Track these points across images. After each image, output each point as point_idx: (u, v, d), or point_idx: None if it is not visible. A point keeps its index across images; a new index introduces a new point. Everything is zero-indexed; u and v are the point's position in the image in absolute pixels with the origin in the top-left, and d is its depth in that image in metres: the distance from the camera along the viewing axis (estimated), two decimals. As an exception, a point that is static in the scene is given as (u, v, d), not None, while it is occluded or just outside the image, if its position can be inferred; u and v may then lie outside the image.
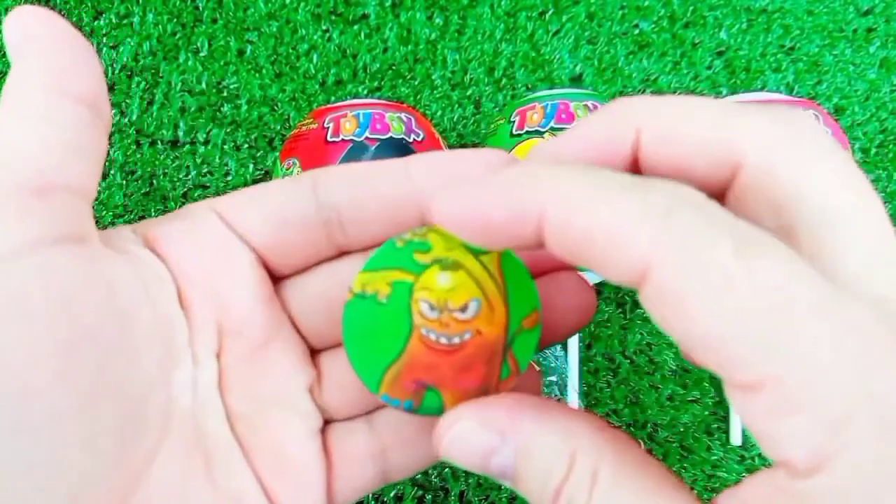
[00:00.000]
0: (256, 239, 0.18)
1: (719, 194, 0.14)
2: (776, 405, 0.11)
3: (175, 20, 0.47)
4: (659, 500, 0.13)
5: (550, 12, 0.47)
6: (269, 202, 0.18)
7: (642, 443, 0.41)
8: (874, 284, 0.12)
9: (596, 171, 0.13)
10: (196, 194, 0.45)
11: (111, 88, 0.46)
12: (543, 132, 0.36)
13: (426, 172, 0.18)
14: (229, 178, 0.45)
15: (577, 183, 0.13)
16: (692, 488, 0.14)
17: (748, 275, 0.11)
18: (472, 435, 0.15)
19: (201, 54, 0.46)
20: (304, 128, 0.37)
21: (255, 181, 0.45)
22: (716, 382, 0.41)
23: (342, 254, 0.19)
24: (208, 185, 0.45)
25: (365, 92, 0.46)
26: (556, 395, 0.39)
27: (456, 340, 0.15)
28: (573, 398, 0.39)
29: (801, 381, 0.11)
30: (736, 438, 0.40)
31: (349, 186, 0.18)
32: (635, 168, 0.15)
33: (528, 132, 0.36)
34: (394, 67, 0.46)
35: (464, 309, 0.15)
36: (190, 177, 0.45)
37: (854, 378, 0.11)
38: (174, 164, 0.45)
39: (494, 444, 0.14)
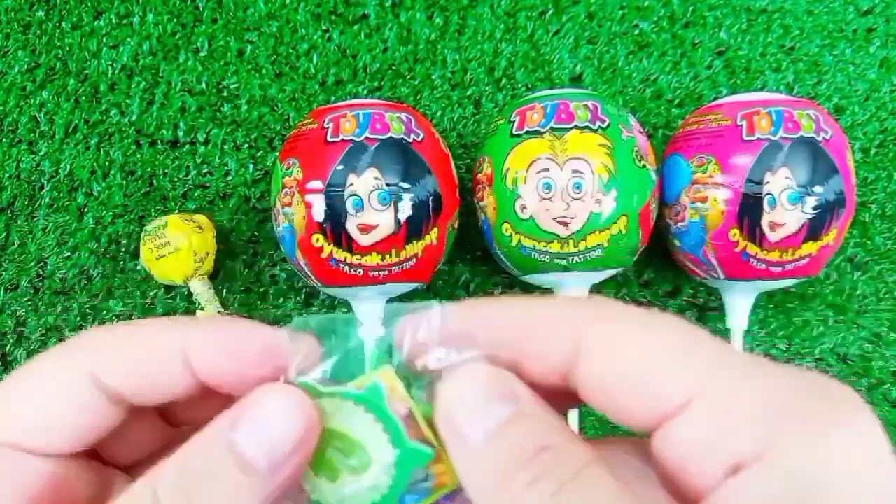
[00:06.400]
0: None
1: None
2: (710, 412, 0.14)
3: (175, 20, 0.47)
4: None
5: (550, 12, 0.47)
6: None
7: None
8: None
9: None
10: (196, 194, 0.45)
11: (111, 88, 0.46)
12: (543, 132, 0.36)
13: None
14: (229, 177, 0.45)
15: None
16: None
17: (663, 340, 0.15)
18: (488, 381, 0.15)
19: (201, 54, 0.46)
20: (304, 128, 0.37)
21: (255, 181, 0.45)
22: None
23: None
24: (208, 184, 0.45)
25: (365, 92, 0.46)
26: None
27: None
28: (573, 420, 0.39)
29: (725, 384, 0.14)
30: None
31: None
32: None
33: (528, 132, 0.36)
34: (394, 67, 0.46)
35: None
36: (190, 177, 0.45)
37: (763, 382, 0.14)
38: (174, 164, 0.45)
39: (504, 398, 0.15)
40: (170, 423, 0.20)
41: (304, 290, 0.44)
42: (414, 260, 0.36)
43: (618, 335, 0.15)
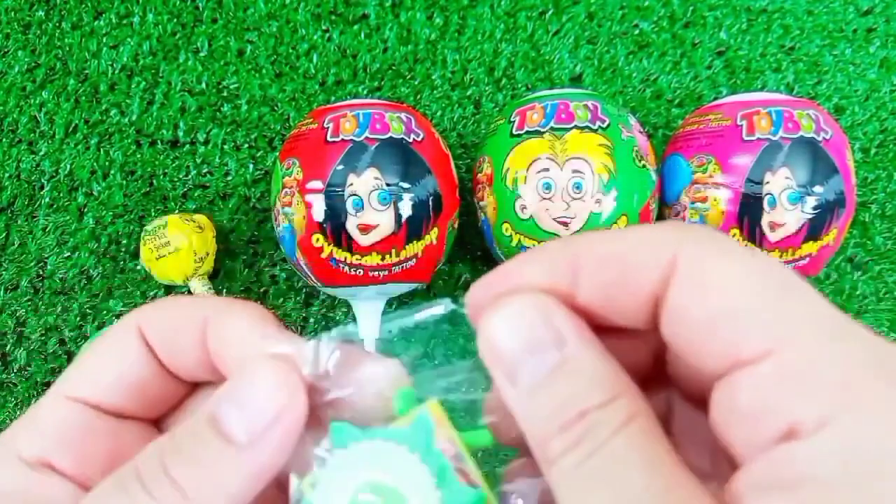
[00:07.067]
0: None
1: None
2: (785, 369, 0.12)
3: (175, 20, 0.47)
4: (673, 478, 0.13)
5: (550, 12, 0.47)
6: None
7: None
8: None
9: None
10: (196, 194, 0.45)
11: (111, 88, 0.46)
12: (543, 132, 0.36)
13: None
14: (229, 177, 0.45)
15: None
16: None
17: (756, 267, 0.14)
18: (535, 321, 0.14)
19: (201, 54, 0.46)
20: (304, 128, 0.37)
21: (255, 181, 0.45)
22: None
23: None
24: (208, 184, 0.45)
25: (365, 92, 0.46)
26: None
27: None
28: None
29: (809, 343, 0.13)
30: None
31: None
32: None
33: (528, 132, 0.36)
34: (394, 67, 0.46)
35: None
36: (190, 177, 0.45)
37: (850, 348, 0.13)
38: (174, 164, 0.45)
39: (549, 343, 0.14)
40: None
41: (304, 290, 0.43)
42: (414, 260, 0.36)
43: (713, 266, 0.14)
